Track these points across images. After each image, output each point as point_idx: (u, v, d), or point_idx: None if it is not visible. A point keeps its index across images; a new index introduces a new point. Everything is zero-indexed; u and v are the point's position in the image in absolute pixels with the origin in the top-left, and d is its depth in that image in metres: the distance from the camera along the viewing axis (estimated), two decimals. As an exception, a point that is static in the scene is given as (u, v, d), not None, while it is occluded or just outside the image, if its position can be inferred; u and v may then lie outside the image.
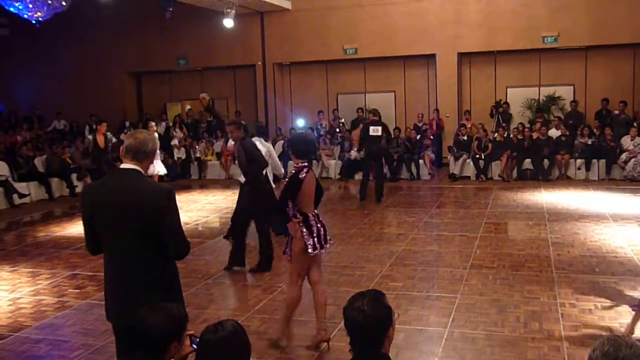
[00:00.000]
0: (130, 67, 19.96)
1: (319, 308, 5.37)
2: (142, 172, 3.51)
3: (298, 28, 17.81)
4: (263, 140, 8.84)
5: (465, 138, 15.50)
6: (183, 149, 16.98)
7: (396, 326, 5.73)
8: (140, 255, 3.42)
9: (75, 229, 10.70)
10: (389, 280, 7.21)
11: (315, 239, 5.22)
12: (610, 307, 6.08)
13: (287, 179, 5.36)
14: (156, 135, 12.05)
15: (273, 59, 18.53)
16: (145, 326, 2.69)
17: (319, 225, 5.28)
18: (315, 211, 5.36)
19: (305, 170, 5.20)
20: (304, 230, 5.18)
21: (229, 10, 15.58)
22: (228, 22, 15.84)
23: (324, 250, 5.41)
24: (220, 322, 2.70)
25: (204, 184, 16.06)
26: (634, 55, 16.14)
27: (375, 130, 12.05)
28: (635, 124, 14.59)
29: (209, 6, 16.07)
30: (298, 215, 5.19)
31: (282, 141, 16.51)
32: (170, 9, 16.77)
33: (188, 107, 19.64)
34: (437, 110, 16.93)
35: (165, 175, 13.74)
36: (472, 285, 6.88)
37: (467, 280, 7.07)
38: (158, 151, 10.23)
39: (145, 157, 3.52)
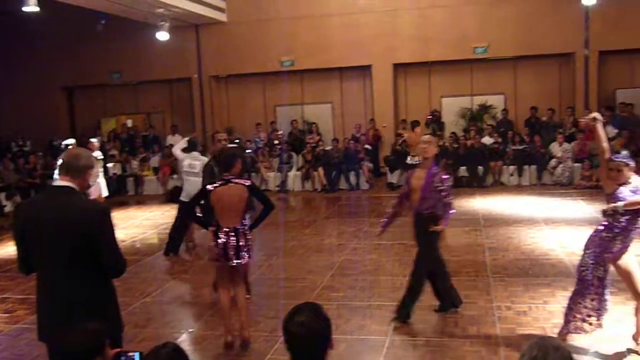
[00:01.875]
0: (63, 81, 19.38)
1: (239, 313, 5.65)
2: (76, 188, 3.42)
3: (234, 40, 17.74)
4: (198, 154, 9.07)
5: (402, 147, 15.73)
6: (119, 165, 16.59)
7: (339, 336, 5.73)
8: (74, 273, 3.33)
9: (4, 250, 10.27)
10: (330, 290, 7.23)
11: (222, 251, 5.42)
12: (543, 308, 6.28)
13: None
14: (99, 153, 11.69)
15: (209, 72, 18.39)
16: (64, 346, 2.69)
17: (230, 239, 5.38)
18: (239, 225, 5.46)
19: (219, 183, 5.43)
20: (213, 240, 5.46)
21: (162, 23, 15.41)
22: (162, 35, 15.66)
23: (232, 263, 5.47)
24: (158, 346, 2.66)
25: (141, 200, 15.72)
26: (560, 65, 16.83)
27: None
28: (561, 131, 15.18)
29: (142, 19, 15.84)
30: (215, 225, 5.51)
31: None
32: (103, 22, 16.49)
33: (129, 121, 19.20)
34: (373, 120, 17.15)
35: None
36: (412, 293, 6.95)
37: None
38: (101, 171, 10.01)
39: (78, 173, 3.43)
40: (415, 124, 13.61)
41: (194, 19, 17.03)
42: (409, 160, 13.37)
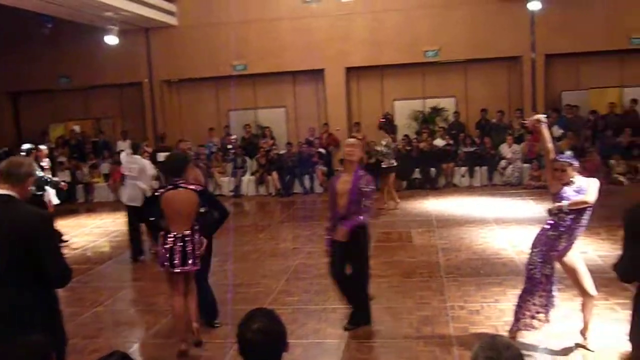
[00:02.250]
0: (7, 86, 18.81)
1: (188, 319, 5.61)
2: (16, 196, 3.32)
3: (185, 44, 17.54)
4: (138, 158, 9.32)
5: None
6: (68, 172, 16.18)
7: (294, 341, 5.72)
8: (15, 283, 3.23)
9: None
10: (285, 295, 7.20)
11: (168, 256, 5.39)
12: (495, 307, 6.39)
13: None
14: (47, 160, 11.38)
15: (160, 76, 18.13)
16: None
17: (177, 244, 5.38)
18: (188, 231, 5.41)
19: (168, 188, 5.44)
20: (160, 245, 5.48)
21: (112, 26, 15.13)
22: (111, 39, 15.38)
23: (177, 270, 5.43)
24: (105, 355, 2.58)
25: (91, 207, 15.38)
26: (508, 68, 17.22)
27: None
28: (511, 132, 15.52)
29: (90, 22, 15.51)
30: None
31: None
32: (49, 25, 16.08)
33: (77, 127, 18.75)
34: (326, 124, 17.21)
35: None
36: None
37: (362, 290, 7.18)
38: (51, 178, 9.79)
39: (18, 181, 3.34)
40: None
41: (143, 22, 16.78)
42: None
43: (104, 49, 16.30)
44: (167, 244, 5.39)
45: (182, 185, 5.39)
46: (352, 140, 6.04)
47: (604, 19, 15.81)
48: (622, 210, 3.20)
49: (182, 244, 5.38)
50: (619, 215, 3.27)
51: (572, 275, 5.21)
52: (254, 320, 2.50)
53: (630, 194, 11.83)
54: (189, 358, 5.49)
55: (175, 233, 5.38)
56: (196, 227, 5.49)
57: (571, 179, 5.02)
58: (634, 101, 15.79)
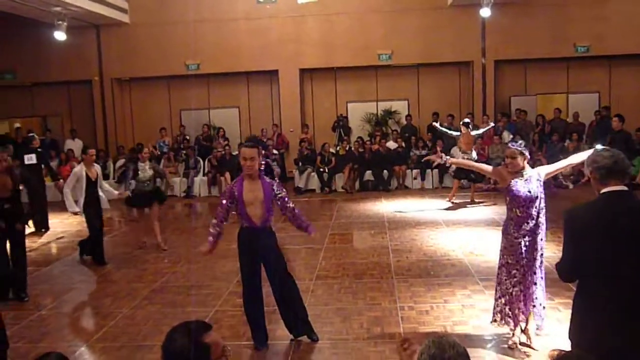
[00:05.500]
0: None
1: None
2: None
3: (138, 42, 17.26)
4: None
5: (309, 152, 15.87)
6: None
7: (245, 343, 5.67)
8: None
9: None
10: (236, 297, 7.12)
11: None
12: (444, 307, 6.49)
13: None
14: None
15: (111, 74, 17.79)
16: None
17: None
18: None
19: None
20: None
21: (60, 22, 14.75)
22: (60, 35, 15.00)
23: None
24: (41, 355, 2.50)
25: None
26: (459, 73, 17.55)
27: (29, 159, 11.48)
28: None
29: (38, 17, 15.10)
30: None
31: (123, 160, 15.87)
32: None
33: (17, 125, 18.19)
34: (278, 125, 17.18)
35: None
36: (318, 296, 7.02)
37: (313, 291, 7.20)
38: None
39: None
40: (466, 124, 13.03)
41: (94, 19, 16.43)
42: (461, 156, 12.67)
43: (52, 45, 15.90)
44: None
45: None
46: (249, 151, 5.52)
47: (550, 27, 16.30)
48: (563, 212, 3.30)
49: None
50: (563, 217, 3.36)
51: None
52: (177, 335, 2.32)
53: (575, 198, 12.18)
54: None
55: None
56: None
57: (523, 169, 5.07)
58: (577, 113, 16.33)
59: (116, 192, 9.63)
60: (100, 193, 9.14)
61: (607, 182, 3.17)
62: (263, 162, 7.74)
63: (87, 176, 8.84)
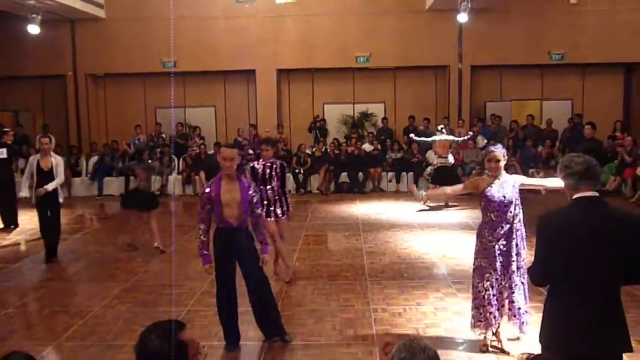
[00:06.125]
0: None
1: None
2: None
3: (113, 38, 17.05)
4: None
5: (285, 153, 15.83)
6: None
7: (216, 343, 5.62)
8: None
9: None
10: (209, 296, 7.06)
11: None
12: (417, 309, 6.51)
13: None
14: None
15: (85, 70, 17.56)
16: None
17: None
18: None
19: None
20: None
21: (34, 15, 14.51)
22: (33, 29, 14.75)
23: None
24: (6, 355, 2.44)
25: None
26: (436, 77, 17.67)
27: None
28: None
29: (11, 10, 14.82)
30: None
31: (97, 157, 15.72)
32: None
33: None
34: (253, 125, 17.11)
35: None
36: (292, 298, 7.00)
37: (287, 292, 7.18)
38: None
39: None
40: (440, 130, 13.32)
41: (69, 13, 16.20)
42: (437, 160, 13.05)
43: (26, 39, 15.62)
44: None
45: None
46: (229, 153, 5.62)
47: (527, 34, 16.51)
48: (538, 217, 3.32)
49: None
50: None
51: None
52: (152, 336, 2.30)
53: (547, 203, 12.33)
54: None
55: None
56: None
57: (500, 174, 5.09)
58: (550, 120, 16.58)
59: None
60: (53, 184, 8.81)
61: (579, 188, 3.20)
62: (278, 163, 8.03)
63: (39, 165, 8.71)
